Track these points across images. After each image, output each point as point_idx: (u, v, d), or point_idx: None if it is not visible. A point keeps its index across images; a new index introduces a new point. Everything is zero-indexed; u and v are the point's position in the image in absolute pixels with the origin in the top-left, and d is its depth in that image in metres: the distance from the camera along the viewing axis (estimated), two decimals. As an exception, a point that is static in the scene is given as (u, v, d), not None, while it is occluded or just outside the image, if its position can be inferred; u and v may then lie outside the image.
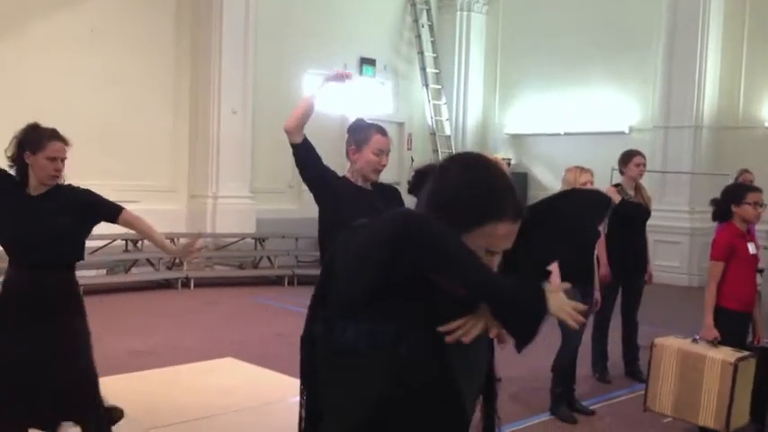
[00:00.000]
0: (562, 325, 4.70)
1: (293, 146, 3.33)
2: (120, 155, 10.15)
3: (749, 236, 4.25)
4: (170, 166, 11.02)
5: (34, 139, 3.26)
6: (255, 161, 11.34)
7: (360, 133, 3.36)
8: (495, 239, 1.34)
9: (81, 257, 3.44)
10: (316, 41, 12.17)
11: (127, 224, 3.43)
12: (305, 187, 11.56)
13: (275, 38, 11.60)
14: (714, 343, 4.07)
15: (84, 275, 8.08)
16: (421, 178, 1.42)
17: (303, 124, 3.37)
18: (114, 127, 10.06)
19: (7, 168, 3.35)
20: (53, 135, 3.30)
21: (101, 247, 9.23)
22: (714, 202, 4.54)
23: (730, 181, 8.28)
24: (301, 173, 3.38)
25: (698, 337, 4.19)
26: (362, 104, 12.41)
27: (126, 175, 9.97)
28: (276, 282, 10.40)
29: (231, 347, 6.48)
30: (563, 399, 4.82)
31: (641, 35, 12.05)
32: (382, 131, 3.39)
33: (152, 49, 10.58)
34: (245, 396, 5.09)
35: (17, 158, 3.30)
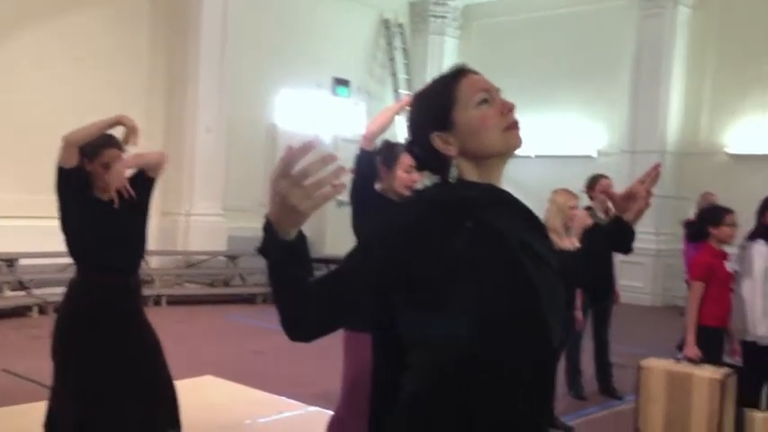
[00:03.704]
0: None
1: (364, 151, 3.29)
2: (93, 171, 10.08)
3: (724, 255, 4.43)
4: (142, 183, 10.95)
5: (90, 147, 3.25)
6: (228, 179, 11.35)
7: (388, 152, 3.39)
8: (474, 91, 1.47)
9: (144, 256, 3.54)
10: (290, 61, 12.28)
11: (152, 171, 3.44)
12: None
13: (250, 57, 11.66)
14: (696, 361, 4.23)
15: (51, 293, 8.03)
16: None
17: (383, 131, 3.43)
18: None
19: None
20: (107, 142, 3.29)
21: (70, 265, 9.12)
22: (688, 223, 4.71)
23: (693, 204, 8.60)
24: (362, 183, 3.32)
25: (680, 357, 4.33)
26: (336, 124, 12.53)
27: (98, 192, 9.89)
28: (249, 300, 10.39)
29: (209, 366, 6.47)
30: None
31: (609, 63, 12.41)
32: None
33: (126, 67, 10.54)
34: (230, 413, 5.11)
35: (79, 165, 3.27)
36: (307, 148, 1.22)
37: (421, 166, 1.57)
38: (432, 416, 1.39)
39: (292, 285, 1.31)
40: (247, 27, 11.56)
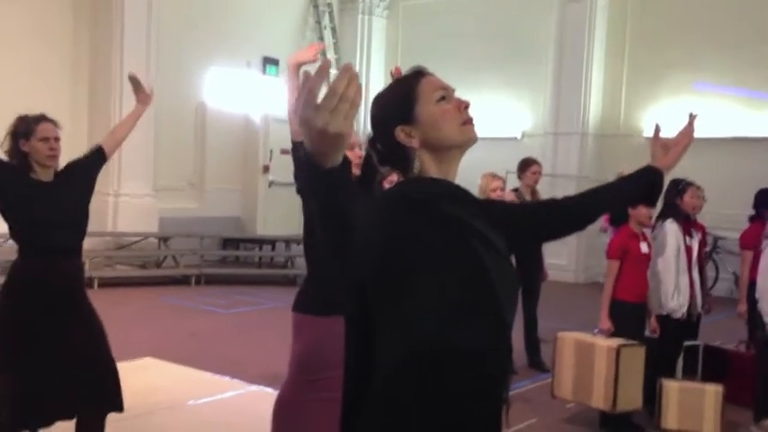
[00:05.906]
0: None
1: (301, 144, 3.19)
2: (16, 151, 9.79)
3: (642, 236, 4.74)
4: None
5: (23, 127, 3.32)
6: (157, 158, 11.20)
7: None
8: (434, 89, 1.66)
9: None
10: (219, 40, 12.15)
11: (113, 146, 3.69)
12: (207, 186, 11.89)
13: (178, 35, 11.47)
14: (607, 334, 4.57)
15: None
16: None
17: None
18: (7, 125, 9.70)
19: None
20: (40, 118, 3.37)
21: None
22: None
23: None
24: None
25: (596, 331, 4.68)
26: (266, 103, 12.49)
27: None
28: (182, 281, 10.35)
29: (147, 348, 6.48)
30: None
31: (533, 47, 12.78)
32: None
33: (48, 45, 10.25)
34: (172, 394, 5.17)
35: (14, 150, 3.33)
36: (323, 72, 1.18)
37: (383, 160, 1.72)
38: (403, 394, 1.54)
39: (349, 214, 1.32)
40: (175, 5, 11.37)
